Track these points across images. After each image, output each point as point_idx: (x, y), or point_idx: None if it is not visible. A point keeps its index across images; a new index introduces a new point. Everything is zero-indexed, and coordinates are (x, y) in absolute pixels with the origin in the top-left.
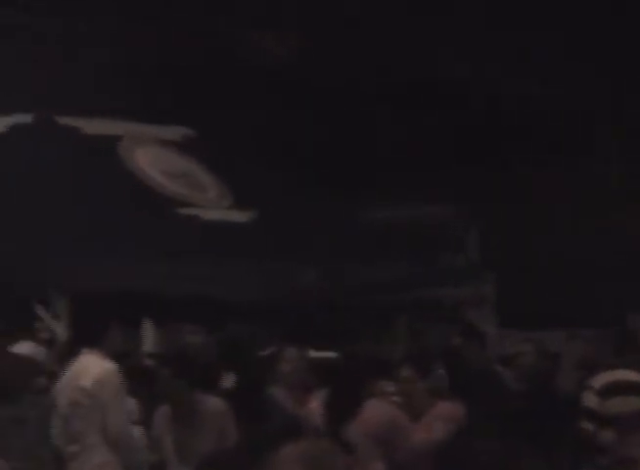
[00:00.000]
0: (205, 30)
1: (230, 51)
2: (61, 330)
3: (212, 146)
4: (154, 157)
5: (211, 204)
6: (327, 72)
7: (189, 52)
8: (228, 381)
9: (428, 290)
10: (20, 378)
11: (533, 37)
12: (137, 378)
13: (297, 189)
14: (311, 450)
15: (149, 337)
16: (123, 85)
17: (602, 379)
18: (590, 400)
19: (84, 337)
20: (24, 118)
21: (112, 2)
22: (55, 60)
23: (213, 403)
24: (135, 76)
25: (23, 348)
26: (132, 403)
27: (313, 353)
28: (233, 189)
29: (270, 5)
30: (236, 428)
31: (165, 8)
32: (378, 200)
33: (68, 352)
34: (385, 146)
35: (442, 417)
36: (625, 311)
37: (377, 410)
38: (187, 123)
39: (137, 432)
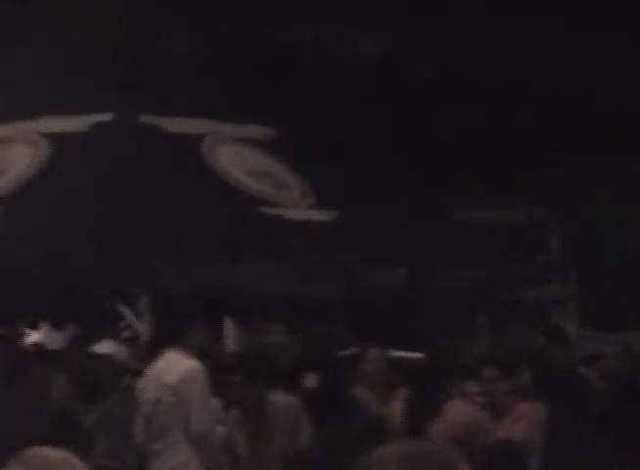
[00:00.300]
0: (291, 28)
1: (315, 49)
2: (143, 329)
3: (295, 145)
4: (237, 156)
5: (294, 203)
6: (415, 71)
7: (274, 50)
8: (310, 381)
9: (511, 290)
10: (103, 377)
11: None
12: (219, 377)
13: (380, 188)
14: (411, 451)
15: (231, 336)
16: (207, 83)
17: None
18: None
19: (167, 335)
20: (107, 117)
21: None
22: (138, 58)
23: (285, 402)
24: (219, 74)
25: (105, 347)
26: (215, 402)
27: (396, 353)
28: (316, 188)
29: (358, 3)
30: (310, 426)
31: (252, 5)
32: (460, 201)
33: (150, 351)
34: (469, 146)
35: (525, 418)
36: None
37: (459, 411)
38: (270, 122)
39: (220, 430)
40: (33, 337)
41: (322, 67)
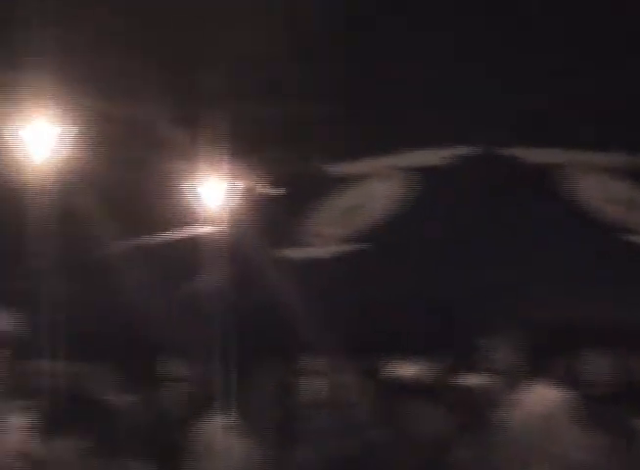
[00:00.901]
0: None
1: None
2: (509, 360)
3: None
4: (597, 184)
5: None
6: None
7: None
8: None
9: None
10: (477, 410)
11: None
12: (590, 408)
13: None
14: None
15: (601, 366)
16: (572, 114)
17: None
18: None
19: (534, 367)
20: (465, 150)
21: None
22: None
23: None
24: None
25: (475, 379)
26: (583, 433)
27: None
28: None
29: None
30: None
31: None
32: None
33: (516, 382)
34: None
35: None
36: None
37: None
38: (632, 149)
39: (589, 459)
40: (406, 371)
41: None
